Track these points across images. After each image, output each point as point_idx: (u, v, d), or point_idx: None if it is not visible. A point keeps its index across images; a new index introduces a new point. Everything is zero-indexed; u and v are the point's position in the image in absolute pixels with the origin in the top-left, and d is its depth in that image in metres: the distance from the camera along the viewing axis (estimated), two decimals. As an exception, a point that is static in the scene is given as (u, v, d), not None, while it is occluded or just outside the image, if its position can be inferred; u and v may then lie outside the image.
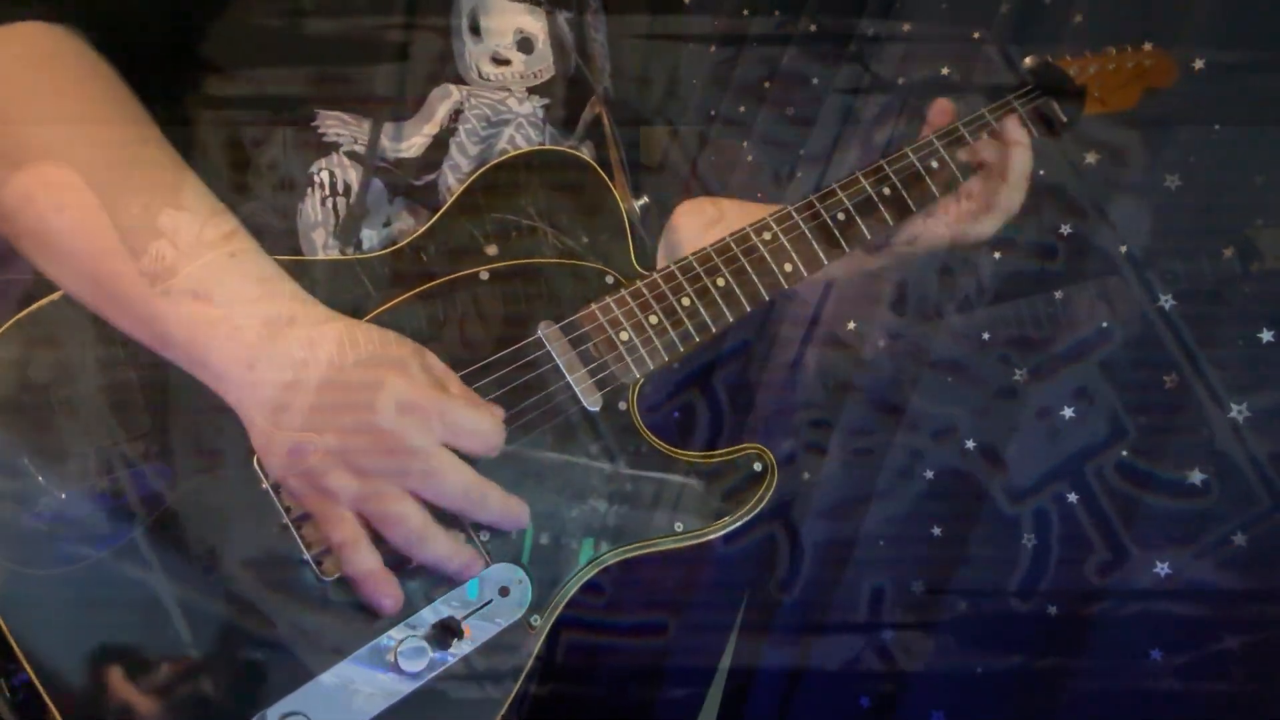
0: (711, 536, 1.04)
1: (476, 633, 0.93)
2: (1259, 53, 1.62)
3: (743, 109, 2.19)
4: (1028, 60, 1.33)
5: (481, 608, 0.94)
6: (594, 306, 1.06)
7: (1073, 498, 1.79)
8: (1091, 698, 1.73)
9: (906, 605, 1.94)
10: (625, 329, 1.06)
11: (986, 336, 1.89)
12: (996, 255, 1.89)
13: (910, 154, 1.22)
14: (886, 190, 1.19)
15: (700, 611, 2.08)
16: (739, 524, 1.05)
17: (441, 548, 0.91)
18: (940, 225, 1.28)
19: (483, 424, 0.92)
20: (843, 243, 1.16)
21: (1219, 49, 1.64)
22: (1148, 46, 1.42)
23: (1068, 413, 1.80)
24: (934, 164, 1.23)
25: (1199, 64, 1.66)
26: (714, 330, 1.10)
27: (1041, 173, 1.83)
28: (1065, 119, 1.32)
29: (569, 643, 1.10)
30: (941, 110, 1.30)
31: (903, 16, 2.04)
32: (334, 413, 0.88)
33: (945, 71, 1.98)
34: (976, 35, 1.91)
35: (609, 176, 1.13)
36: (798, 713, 2.02)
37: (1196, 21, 1.66)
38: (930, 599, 1.91)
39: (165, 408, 0.91)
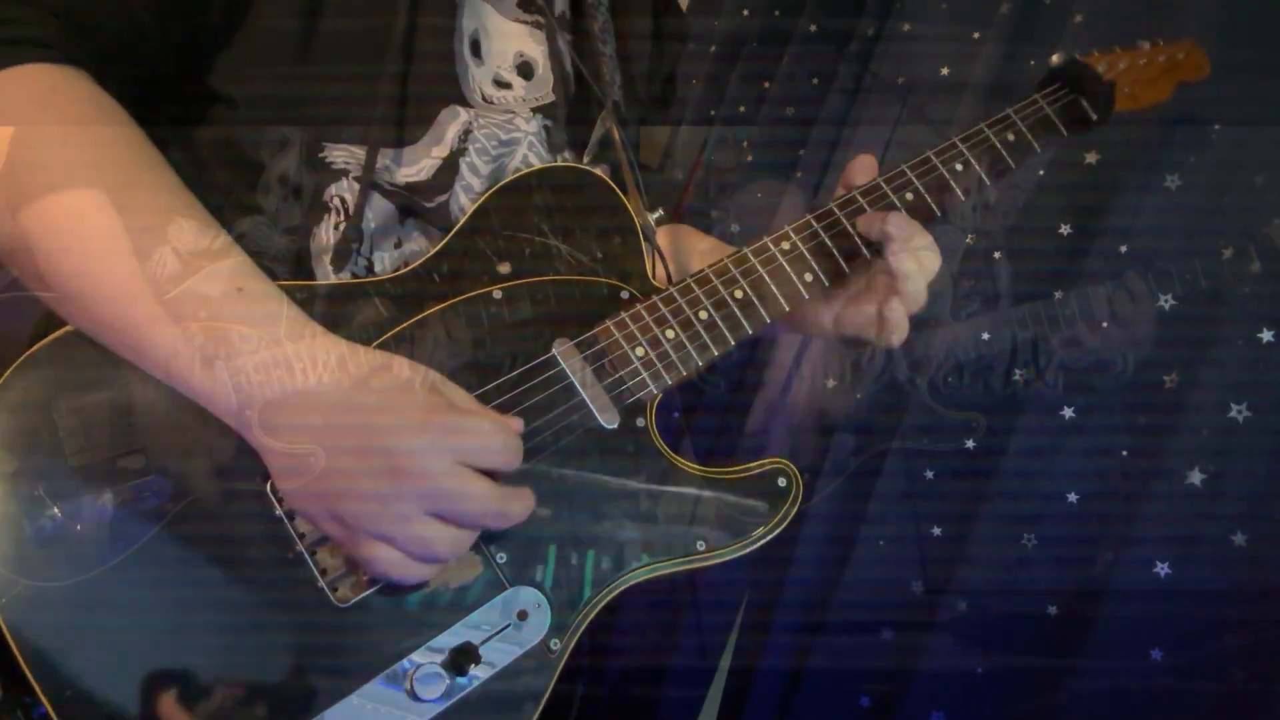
0: (734, 555, 1.02)
1: (494, 658, 0.92)
2: (1259, 53, 1.62)
3: (743, 109, 2.19)
4: (1055, 58, 1.31)
5: (499, 632, 0.93)
6: (609, 323, 1.05)
7: (1073, 498, 1.78)
8: (1091, 698, 1.73)
9: (906, 605, 1.94)
10: (641, 344, 1.04)
11: (986, 337, 1.89)
12: (996, 255, 1.89)
13: (934, 158, 1.18)
14: (910, 196, 1.15)
15: (700, 611, 2.08)
16: (763, 542, 1.03)
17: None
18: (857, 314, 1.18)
19: (497, 437, 0.90)
20: (864, 251, 1.14)
21: (1219, 49, 1.64)
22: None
23: (1067, 413, 1.80)
24: (959, 167, 1.18)
25: (1199, 64, 1.65)
26: (732, 343, 1.08)
27: (1041, 173, 1.84)
28: (1095, 117, 1.28)
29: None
30: (862, 168, 1.19)
31: (903, 16, 2.03)
32: (341, 439, 0.86)
33: (945, 71, 1.97)
34: (976, 35, 1.91)
35: (622, 191, 1.12)
36: (798, 713, 2.02)
37: (1197, 21, 1.66)
38: (930, 599, 1.91)
39: (179, 437, 0.90)
